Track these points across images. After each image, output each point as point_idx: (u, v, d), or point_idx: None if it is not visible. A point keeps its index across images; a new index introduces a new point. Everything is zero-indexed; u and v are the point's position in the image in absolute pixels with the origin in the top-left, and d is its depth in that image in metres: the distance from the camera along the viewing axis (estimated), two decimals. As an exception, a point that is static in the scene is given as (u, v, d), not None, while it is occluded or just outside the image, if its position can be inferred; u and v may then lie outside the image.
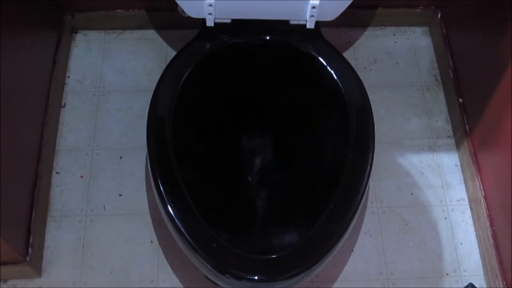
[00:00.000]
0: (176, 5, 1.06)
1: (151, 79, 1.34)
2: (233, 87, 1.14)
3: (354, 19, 1.41)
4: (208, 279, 0.94)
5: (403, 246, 1.18)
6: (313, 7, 1.02)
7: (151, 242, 1.16)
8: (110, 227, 1.18)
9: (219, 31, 1.06)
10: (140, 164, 1.24)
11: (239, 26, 1.06)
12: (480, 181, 1.19)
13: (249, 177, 1.07)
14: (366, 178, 0.93)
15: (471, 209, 1.22)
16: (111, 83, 1.34)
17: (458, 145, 1.29)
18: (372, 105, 1.01)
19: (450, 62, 1.33)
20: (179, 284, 1.12)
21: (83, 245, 1.16)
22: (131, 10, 1.36)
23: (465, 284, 1.12)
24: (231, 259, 0.85)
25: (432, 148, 1.30)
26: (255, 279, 0.83)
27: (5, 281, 1.11)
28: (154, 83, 1.01)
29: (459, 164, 1.28)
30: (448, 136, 1.31)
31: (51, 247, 1.15)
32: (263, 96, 1.14)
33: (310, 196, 1.04)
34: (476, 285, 1.10)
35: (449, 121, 1.33)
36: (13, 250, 1.02)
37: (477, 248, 1.19)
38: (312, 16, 1.04)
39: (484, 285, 1.15)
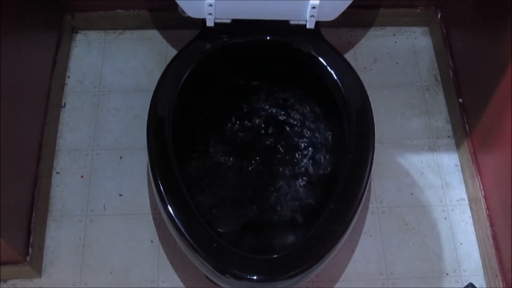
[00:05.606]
0: (176, 5, 1.06)
1: (151, 79, 1.33)
2: (233, 87, 1.14)
3: (354, 19, 1.41)
4: (208, 279, 0.94)
5: (403, 246, 1.18)
6: (313, 7, 1.02)
7: (151, 242, 1.16)
8: (110, 227, 1.18)
9: (219, 31, 1.06)
10: (140, 164, 1.24)
11: (239, 26, 1.06)
12: (480, 181, 1.19)
13: (249, 177, 1.07)
14: (366, 178, 0.93)
15: (471, 209, 1.22)
16: (111, 83, 1.34)
17: (458, 145, 1.29)
18: (372, 105, 1.01)
19: (450, 62, 1.33)
20: (180, 284, 1.12)
21: (83, 245, 1.16)
22: (131, 10, 1.36)
23: (465, 284, 1.12)
24: (231, 259, 0.85)
25: (432, 148, 1.30)
26: (255, 279, 0.83)
27: (5, 281, 1.11)
28: (154, 83, 1.01)
29: (459, 164, 1.28)
30: (448, 136, 1.31)
31: (51, 247, 1.15)
32: (262, 96, 1.14)
33: (310, 196, 1.04)
34: (476, 285, 1.10)
35: (449, 121, 1.33)
36: (13, 250, 1.02)
37: (477, 248, 1.19)
38: (312, 16, 1.04)
39: (484, 285, 1.15)
